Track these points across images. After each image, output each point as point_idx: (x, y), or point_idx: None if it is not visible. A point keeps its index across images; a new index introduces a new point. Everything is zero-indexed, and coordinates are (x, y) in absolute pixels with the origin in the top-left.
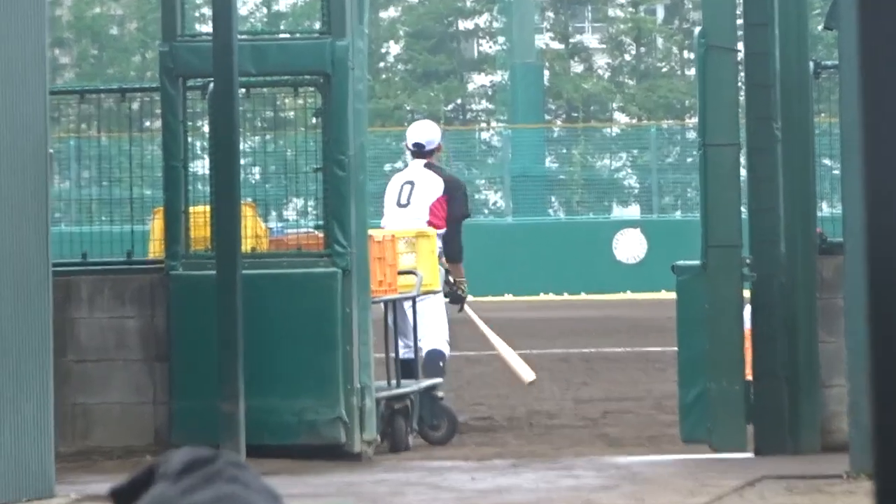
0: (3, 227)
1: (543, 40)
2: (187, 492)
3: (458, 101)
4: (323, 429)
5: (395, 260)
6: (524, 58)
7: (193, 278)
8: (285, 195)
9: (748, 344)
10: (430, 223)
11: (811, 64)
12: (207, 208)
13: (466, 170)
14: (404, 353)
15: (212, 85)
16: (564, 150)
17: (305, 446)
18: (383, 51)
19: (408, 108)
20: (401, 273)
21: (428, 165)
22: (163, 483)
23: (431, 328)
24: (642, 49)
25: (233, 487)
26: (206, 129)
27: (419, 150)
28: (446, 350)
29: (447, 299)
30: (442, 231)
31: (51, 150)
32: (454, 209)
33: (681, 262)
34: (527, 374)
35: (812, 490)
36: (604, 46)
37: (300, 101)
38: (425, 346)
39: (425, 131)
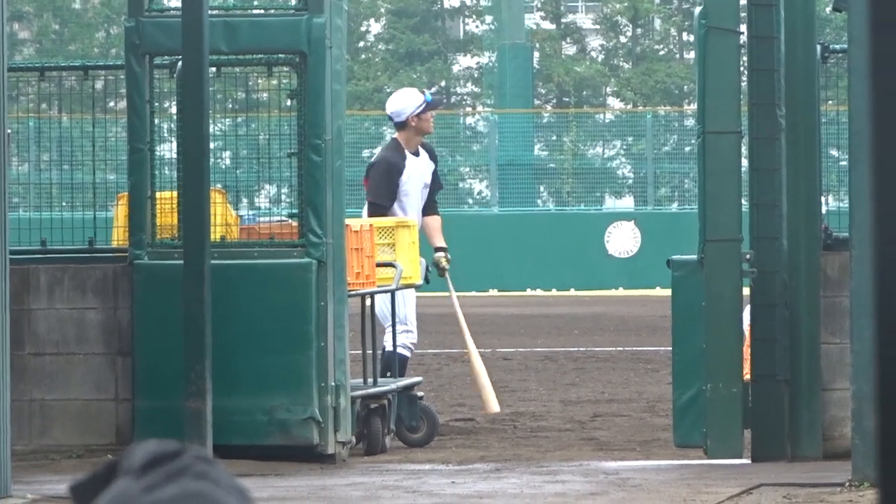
0: None
1: (533, 20)
2: (151, 488)
3: (443, 83)
4: (295, 429)
5: (374, 251)
6: (513, 38)
7: (159, 268)
8: (257, 181)
9: (747, 344)
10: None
11: (818, 47)
12: (174, 194)
13: (450, 157)
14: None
15: (180, 63)
16: (554, 138)
17: (276, 447)
18: (363, 29)
19: (388, 90)
20: (379, 265)
21: (391, 144)
22: (125, 479)
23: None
24: (639, 30)
25: (200, 484)
26: (174, 110)
27: (392, 122)
28: (407, 353)
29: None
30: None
31: (8, 131)
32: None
33: (677, 257)
34: (494, 404)
35: (812, 499)
36: (598, 27)
37: (274, 82)
38: (387, 344)
39: (393, 100)
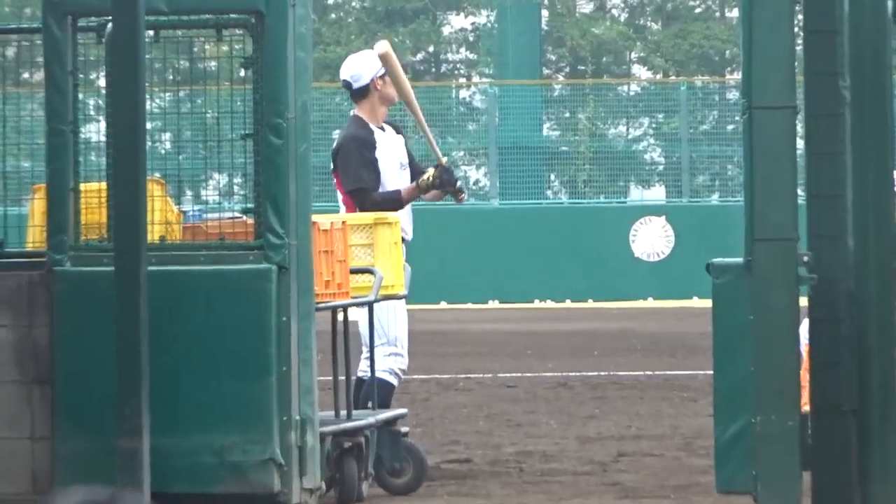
0: None
1: None
2: None
3: (430, 49)
4: (251, 473)
5: (347, 254)
6: None
7: (84, 276)
8: (204, 169)
9: (805, 368)
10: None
11: (890, 4)
12: (103, 186)
13: (440, 138)
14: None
15: (110, 25)
16: (568, 115)
17: (229, 496)
18: None
19: None
20: (354, 271)
21: (352, 122)
22: None
23: (379, 346)
24: None
25: None
26: (103, 82)
27: (350, 92)
28: (394, 381)
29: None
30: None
31: None
32: (343, 184)
33: (718, 260)
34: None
35: None
36: None
37: (224, 48)
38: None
39: (350, 63)
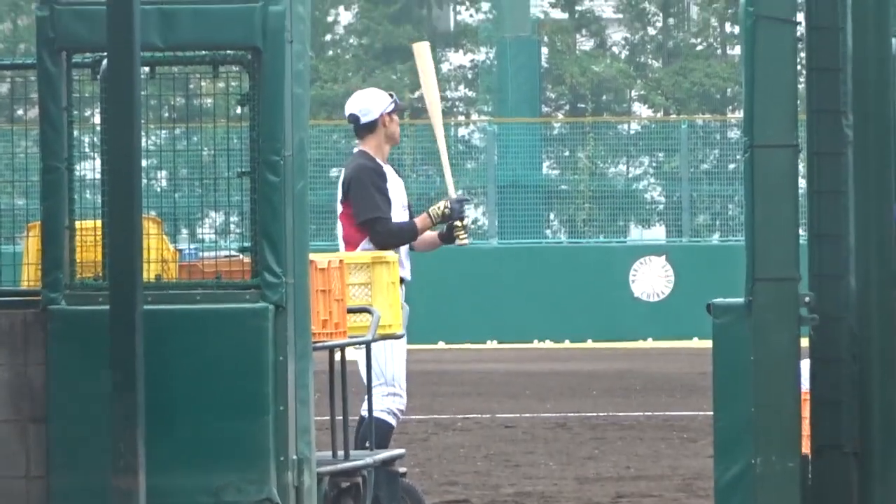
0: None
1: (541, 7)
2: None
3: None
4: None
5: (345, 293)
6: (516, 30)
7: (79, 315)
8: (200, 207)
9: (806, 408)
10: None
11: (894, 42)
12: (99, 223)
13: (439, 176)
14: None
15: (105, 62)
16: (567, 153)
17: None
18: (330, 19)
19: None
20: (352, 311)
21: (359, 155)
22: None
23: (377, 386)
24: (671, 20)
25: None
26: (98, 119)
27: (356, 127)
28: (392, 421)
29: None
30: (367, 245)
31: None
32: (357, 214)
33: (719, 301)
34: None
35: None
36: (620, 17)
37: (221, 85)
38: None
39: (358, 98)
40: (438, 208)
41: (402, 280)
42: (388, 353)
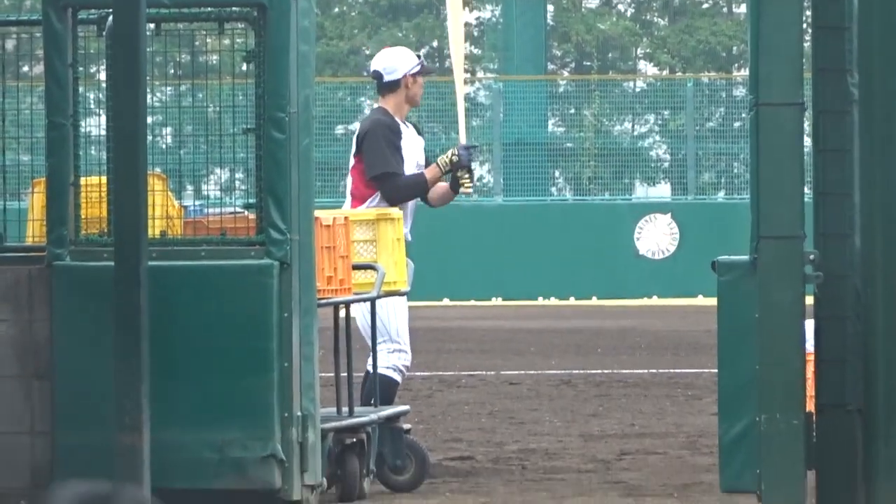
0: None
1: None
2: None
3: (434, 43)
4: (252, 470)
5: (350, 250)
6: None
7: (84, 271)
8: (206, 164)
9: (810, 366)
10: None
11: None
12: (104, 180)
13: (444, 134)
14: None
15: (111, 18)
16: (573, 111)
17: (229, 492)
18: None
19: (367, 52)
20: (356, 267)
21: (377, 111)
22: None
23: (381, 343)
24: None
25: None
26: (103, 76)
27: (378, 83)
28: (397, 378)
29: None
30: (372, 201)
31: None
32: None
33: (724, 258)
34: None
35: None
36: None
37: (226, 41)
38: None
39: (385, 56)
40: (447, 156)
41: None
42: (389, 310)
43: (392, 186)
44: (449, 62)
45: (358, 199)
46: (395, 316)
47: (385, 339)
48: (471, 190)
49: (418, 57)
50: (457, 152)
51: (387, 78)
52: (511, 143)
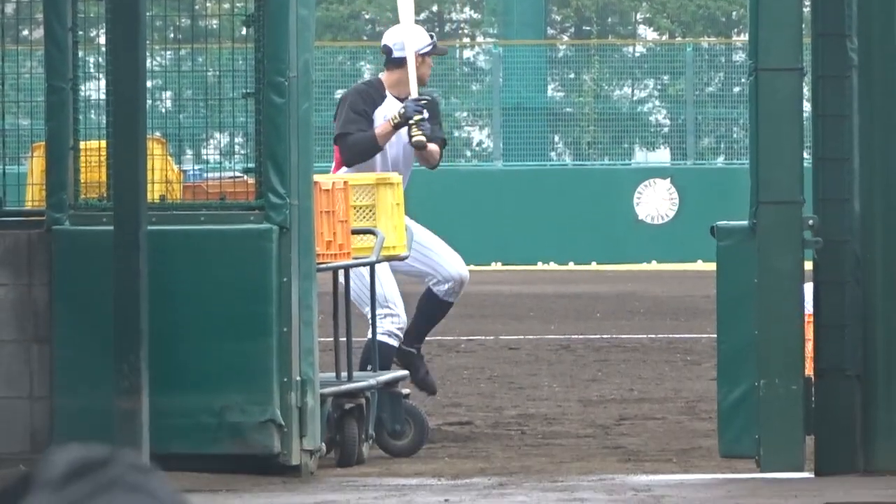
0: None
1: None
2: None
3: (434, 8)
4: (251, 434)
5: (349, 214)
6: None
7: (84, 235)
8: (205, 128)
9: (809, 331)
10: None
11: None
12: (103, 144)
13: (444, 99)
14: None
15: None
16: (572, 75)
17: (228, 456)
18: None
19: (367, 16)
20: (355, 232)
21: (365, 81)
22: (42, 492)
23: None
24: None
25: (134, 497)
26: (103, 39)
27: (385, 57)
28: (394, 342)
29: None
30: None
31: None
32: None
33: (723, 223)
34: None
35: None
36: None
37: (226, 5)
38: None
39: (397, 31)
40: (397, 112)
41: None
42: (376, 276)
43: (343, 146)
44: (448, 27)
45: (337, 164)
46: (380, 281)
47: (377, 303)
48: (423, 139)
49: (431, 37)
50: (405, 104)
51: (395, 54)
52: (510, 107)
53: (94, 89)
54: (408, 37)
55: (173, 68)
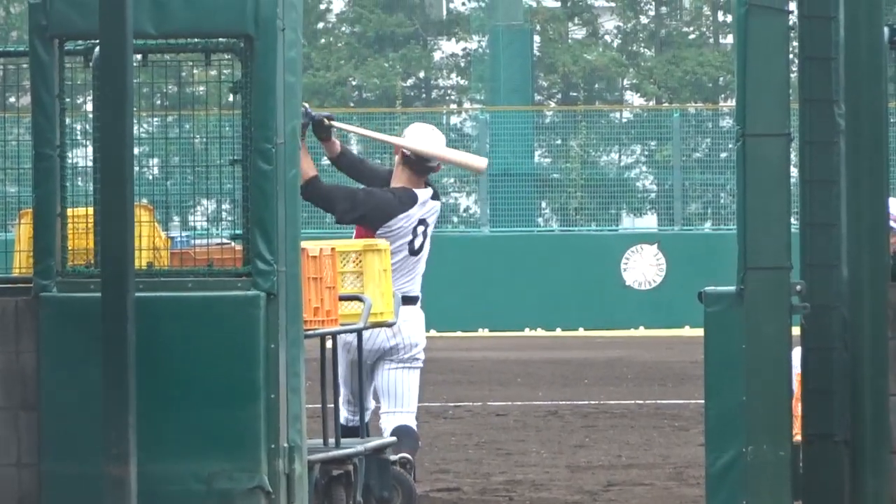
0: None
1: None
2: None
3: (421, 74)
4: (239, 501)
5: (336, 281)
6: (508, 19)
7: (71, 302)
8: (192, 195)
9: (797, 397)
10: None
11: (886, 31)
12: (90, 211)
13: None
14: (348, 417)
15: (97, 49)
16: (559, 141)
17: None
18: (323, 6)
19: (354, 82)
20: (343, 298)
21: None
22: None
23: (399, 392)
24: (663, 9)
25: None
26: (90, 107)
27: (426, 168)
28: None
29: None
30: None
31: None
32: None
33: (710, 289)
34: (478, 161)
35: None
36: (613, 5)
37: (213, 73)
38: (392, 421)
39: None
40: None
41: (411, 298)
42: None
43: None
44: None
45: (360, 233)
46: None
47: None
48: (323, 114)
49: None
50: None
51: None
52: (498, 173)
53: (82, 156)
54: (428, 137)
55: (160, 135)
